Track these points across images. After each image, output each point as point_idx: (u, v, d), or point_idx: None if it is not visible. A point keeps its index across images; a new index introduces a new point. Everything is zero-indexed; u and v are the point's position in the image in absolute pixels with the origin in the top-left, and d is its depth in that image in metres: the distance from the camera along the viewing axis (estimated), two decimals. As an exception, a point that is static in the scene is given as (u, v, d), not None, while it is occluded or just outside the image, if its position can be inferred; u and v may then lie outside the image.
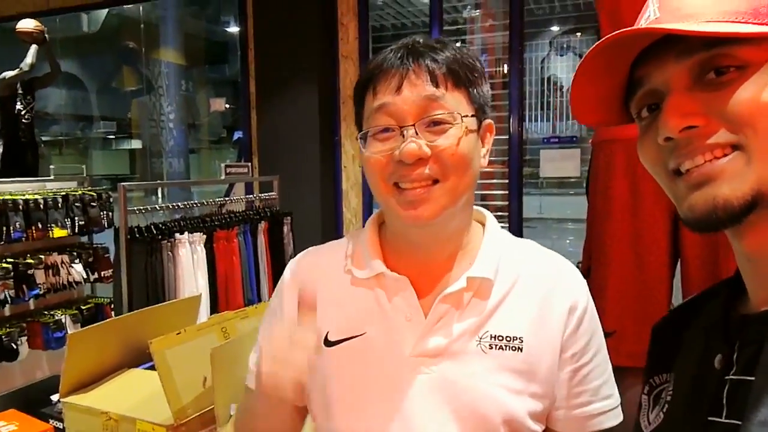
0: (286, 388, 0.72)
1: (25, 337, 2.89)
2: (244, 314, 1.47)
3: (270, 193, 3.38)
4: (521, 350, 0.77)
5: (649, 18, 0.57)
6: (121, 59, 11.25)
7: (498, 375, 0.76)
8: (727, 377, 0.54)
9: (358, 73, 4.05)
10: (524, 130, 3.76)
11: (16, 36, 4.34)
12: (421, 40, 0.78)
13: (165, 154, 10.56)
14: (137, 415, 1.24)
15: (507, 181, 3.71)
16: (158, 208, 2.77)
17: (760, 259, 0.55)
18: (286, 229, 3.24)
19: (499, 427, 0.75)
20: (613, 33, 0.55)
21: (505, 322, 0.78)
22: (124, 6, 8.84)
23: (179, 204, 2.89)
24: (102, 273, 3.23)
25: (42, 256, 2.92)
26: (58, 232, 2.95)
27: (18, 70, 4.47)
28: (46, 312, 3.03)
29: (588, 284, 0.86)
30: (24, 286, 2.82)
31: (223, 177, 3.23)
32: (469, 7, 4.51)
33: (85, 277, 3.13)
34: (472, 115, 0.77)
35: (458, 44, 0.80)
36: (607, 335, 0.88)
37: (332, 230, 4.07)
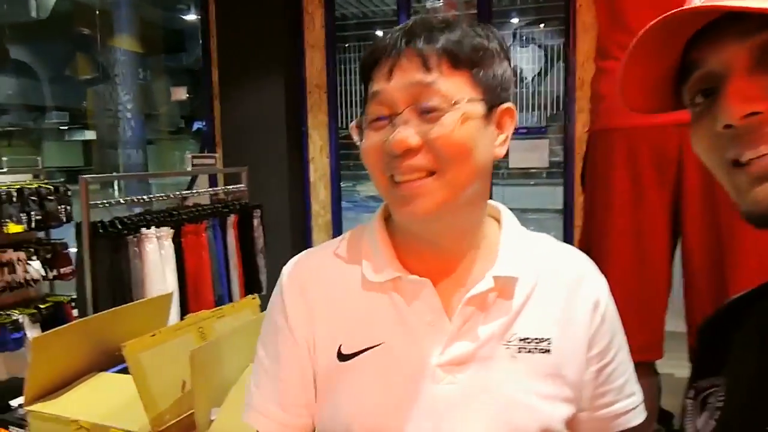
0: None
1: (-20, 339, 2.77)
2: (220, 313, 1.42)
3: (239, 186, 3.29)
4: (549, 352, 0.73)
5: None
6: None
7: (529, 381, 0.72)
8: None
9: (324, 63, 4.03)
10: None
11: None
12: (421, 20, 0.72)
13: (122, 145, 10.27)
14: (111, 423, 1.19)
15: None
16: (122, 201, 2.67)
17: None
18: (256, 222, 3.17)
19: None
20: (668, 13, 0.51)
21: (532, 323, 0.74)
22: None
23: (144, 197, 2.79)
24: (61, 270, 3.10)
25: (-4, 253, 2.79)
26: (13, 228, 2.81)
27: None
28: (2, 312, 2.90)
29: None
30: (-23, 286, 2.69)
31: (189, 168, 3.13)
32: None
33: (43, 274, 3.00)
34: (480, 99, 0.70)
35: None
36: None
37: (301, 223, 4.01)
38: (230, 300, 2.96)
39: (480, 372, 0.72)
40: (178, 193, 3.03)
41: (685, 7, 0.52)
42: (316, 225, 4.04)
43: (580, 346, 0.75)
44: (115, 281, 2.36)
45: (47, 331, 1.32)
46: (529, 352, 0.73)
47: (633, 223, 1.68)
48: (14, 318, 2.87)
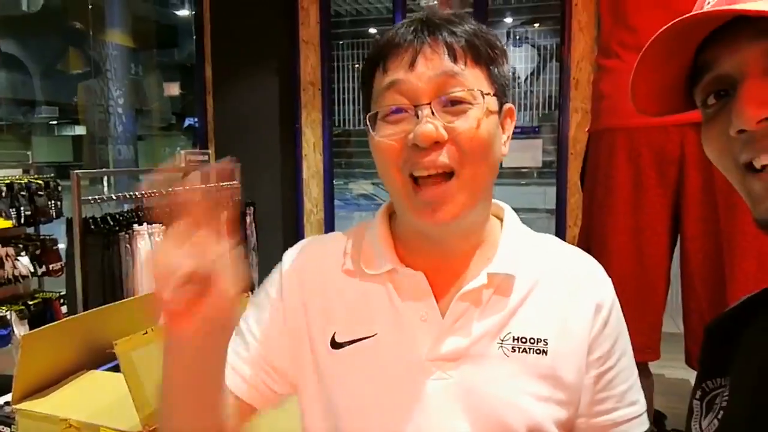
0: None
1: (-33, 335, 2.74)
2: (213, 311, 1.40)
3: (231, 183, 3.27)
4: (546, 353, 0.72)
5: None
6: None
7: (522, 381, 0.71)
8: None
9: (318, 60, 4.01)
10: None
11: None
12: (434, 13, 0.71)
13: (113, 141, 10.18)
14: (101, 422, 1.17)
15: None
16: (114, 197, 2.64)
17: None
18: (249, 219, 3.15)
19: None
20: (682, 17, 0.50)
21: (529, 323, 0.73)
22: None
23: (136, 194, 2.76)
24: (50, 266, 3.08)
25: (-16, 249, 2.77)
26: (2, 223, 2.80)
27: None
28: (-11, 308, 2.87)
29: None
30: (-35, 281, 2.68)
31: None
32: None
33: (32, 270, 2.98)
34: (494, 95, 0.70)
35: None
36: None
37: (293, 220, 3.99)
38: (222, 297, 2.93)
39: (472, 369, 0.71)
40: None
41: (697, 12, 0.51)
42: (308, 223, 4.02)
43: (579, 349, 0.74)
44: (105, 278, 2.34)
45: (37, 329, 1.30)
46: (524, 351, 0.72)
47: (633, 222, 1.68)
48: (2, 314, 2.85)
